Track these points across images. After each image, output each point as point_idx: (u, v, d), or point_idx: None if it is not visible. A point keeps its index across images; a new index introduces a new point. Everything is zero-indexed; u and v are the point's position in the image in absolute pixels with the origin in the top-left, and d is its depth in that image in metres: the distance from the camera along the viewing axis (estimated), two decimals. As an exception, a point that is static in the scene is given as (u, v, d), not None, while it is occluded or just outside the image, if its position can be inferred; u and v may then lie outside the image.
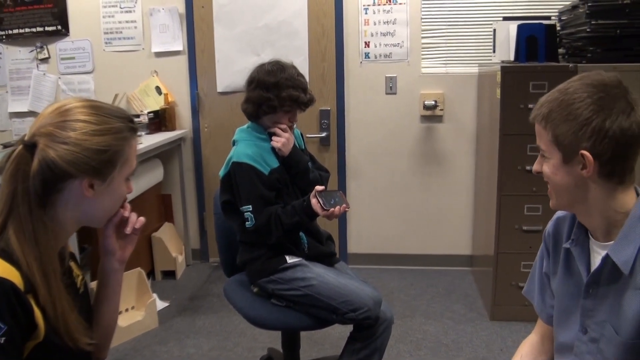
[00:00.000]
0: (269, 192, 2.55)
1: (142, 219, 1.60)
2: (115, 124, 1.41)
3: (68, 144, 1.33)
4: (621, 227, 1.42)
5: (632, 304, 1.40)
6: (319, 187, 2.46)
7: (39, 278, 1.28)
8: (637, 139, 1.38)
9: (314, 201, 2.43)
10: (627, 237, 1.41)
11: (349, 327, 2.58)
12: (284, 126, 2.62)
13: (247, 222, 2.51)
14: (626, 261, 1.40)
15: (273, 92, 2.55)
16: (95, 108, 1.41)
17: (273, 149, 2.62)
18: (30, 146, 1.32)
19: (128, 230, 1.57)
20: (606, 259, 1.44)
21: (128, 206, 1.57)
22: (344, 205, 2.47)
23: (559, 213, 1.68)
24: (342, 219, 4.75)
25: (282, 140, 2.60)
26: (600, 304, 1.49)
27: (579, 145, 1.38)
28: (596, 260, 1.49)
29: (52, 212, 1.37)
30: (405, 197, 4.69)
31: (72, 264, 1.55)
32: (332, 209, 2.42)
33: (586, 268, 1.52)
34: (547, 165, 1.48)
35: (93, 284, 1.67)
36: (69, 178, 1.35)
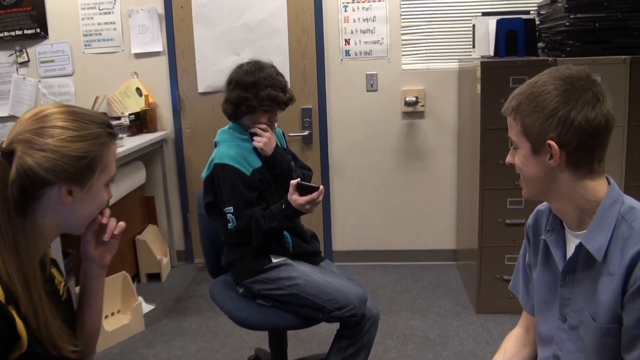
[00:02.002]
0: (251, 193, 2.54)
1: (121, 224, 1.57)
2: (94, 130, 1.40)
3: (46, 150, 1.31)
4: (593, 216, 1.47)
5: (606, 289, 1.44)
6: (294, 181, 2.42)
7: (20, 287, 1.27)
8: (602, 129, 1.42)
9: (295, 197, 2.40)
10: (599, 225, 1.45)
11: (336, 325, 2.59)
12: (264, 126, 2.62)
13: (229, 224, 2.51)
14: (599, 248, 1.44)
15: (251, 92, 2.55)
16: (73, 114, 1.39)
17: (255, 149, 2.62)
18: (7, 153, 1.31)
19: (106, 237, 1.55)
20: (580, 247, 1.48)
21: (107, 212, 1.55)
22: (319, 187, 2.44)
23: (540, 206, 1.73)
24: (327, 216, 4.76)
25: (264, 140, 2.60)
26: (577, 292, 1.53)
27: (546, 135, 1.43)
28: (571, 249, 1.53)
29: (32, 220, 1.36)
30: (389, 193, 4.70)
31: (53, 270, 1.53)
32: (320, 188, 2.40)
33: (562, 257, 1.56)
34: (518, 156, 1.53)
35: (78, 289, 1.66)
36: (48, 185, 1.34)
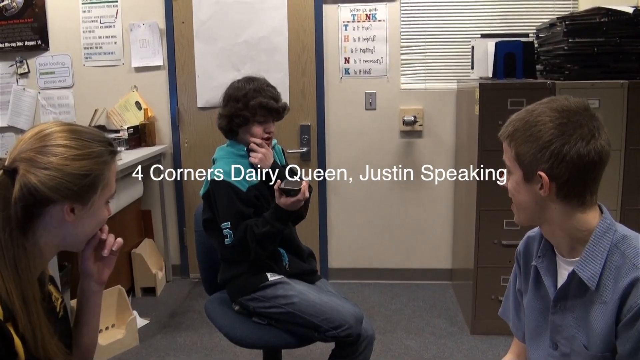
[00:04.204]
0: (247, 209, 2.55)
1: (120, 240, 1.59)
2: (96, 148, 1.41)
3: (49, 169, 1.32)
4: (585, 244, 1.47)
5: (600, 318, 1.44)
6: (276, 186, 2.45)
7: (19, 305, 1.27)
8: (594, 165, 1.43)
9: (283, 200, 2.43)
10: (592, 253, 1.46)
11: (331, 345, 2.58)
12: (259, 141, 2.62)
13: (226, 239, 2.51)
14: (592, 276, 1.45)
15: (242, 102, 2.57)
16: (75, 132, 1.40)
17: (253, 164, 2.63)
18: (10, 172, 1.31)
19: (105, 252, 1.56)
20: (572, 274, 1.49)
21: (106, 228, 1.57)
22: (305, 181, 2.49)
23: (530, 232, 1.74)
24: (323, 233, 4.76)
25: (259, 156, 2.60)
26: (568, 319, 1.53)
27: (538, 166, 1.45)
28: (563, 276, 1.54)
29: (33, 238, 1.36)
30: (386, 211, 4.71)
31: (50, 287, 1.53)
32: (302, 188, 2.43)
33: (553, 284, 1.57)
34: (511, 182, 1.55)
35: (73, 302, 1.66)
36: (50, 203, 1.34)
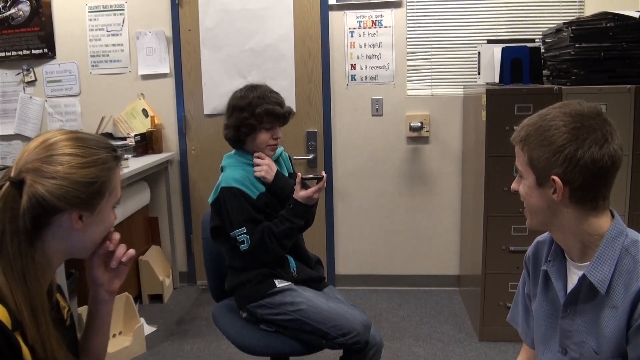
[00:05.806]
0: (258, 215, 2.56)
1: (131, 251, 1.58)
2: (101, 155, 1.42)
3: (56, 178, 1.32)
4: (596, 248, 1.47)
5: (610, 322, 1.44)
6: (298, 178, 2.57)
7: (28, 317, 1.26)
8: (608, 170, 1.43)
9: (302, 193, 2.52)
10: (603, 257, 1.46)
11: (339, 352, 2.57)
12: (262, 154, 2.64)
13: (242, 245, 2.51)
14: (602, 280, 1.44)
15: (248, 111, 2.58)
16: (80, 140, 1.41)
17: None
18: (17, 183, 1.31)
19: (113, 264, 1.55)
20: (583, 279, 1.48)
21: (115, 239, 1.56)
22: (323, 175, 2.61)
23: (539, 237, 1.74)
24: (330, 240, 4.75)
25: (264, 168, 2.61)
26: (578, 324, 1.53)
27: (551, 170, 1.44)
28: (573, 281, 1.54)
29: (41, 248, 1.36)
30: (393, 217, 4.70)
31: (58, 296, 1.53)
32: (324, 176, 2.58)
33: (563, 288, 1.56)
34: (523, 186, 1.55)
35: (81, 309, 1.65)
36: (59, 212, 1.34)
